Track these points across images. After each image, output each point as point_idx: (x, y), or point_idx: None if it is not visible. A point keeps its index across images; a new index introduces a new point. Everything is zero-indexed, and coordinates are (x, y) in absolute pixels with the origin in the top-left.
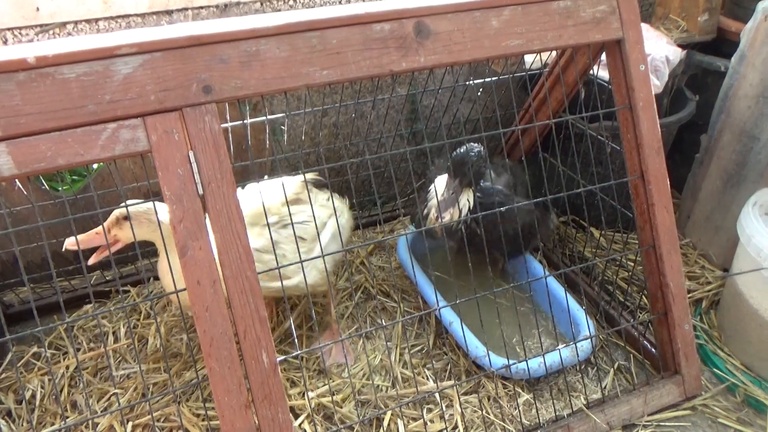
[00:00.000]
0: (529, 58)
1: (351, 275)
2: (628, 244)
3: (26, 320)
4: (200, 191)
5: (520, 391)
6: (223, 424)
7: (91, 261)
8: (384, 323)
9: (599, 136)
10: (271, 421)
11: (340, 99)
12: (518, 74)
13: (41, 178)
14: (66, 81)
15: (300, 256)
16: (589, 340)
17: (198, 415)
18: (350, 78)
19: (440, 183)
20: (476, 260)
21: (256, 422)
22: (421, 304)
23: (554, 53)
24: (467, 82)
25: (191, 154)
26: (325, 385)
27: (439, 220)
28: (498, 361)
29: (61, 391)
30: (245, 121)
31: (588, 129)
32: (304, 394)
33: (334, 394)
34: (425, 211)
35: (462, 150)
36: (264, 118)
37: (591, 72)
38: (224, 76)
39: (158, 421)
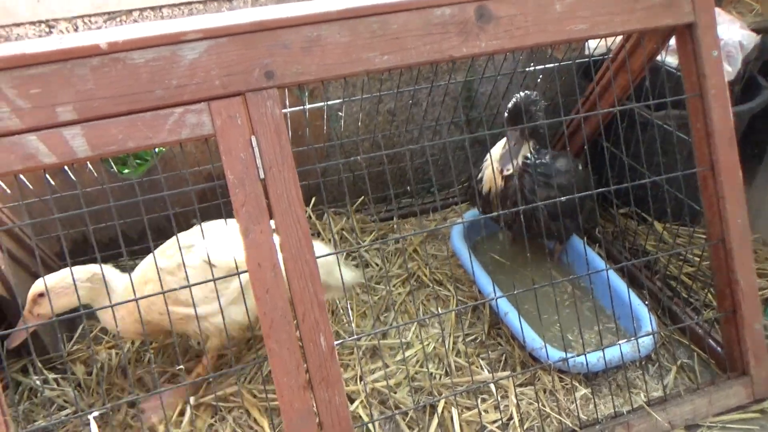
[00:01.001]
0: (591, 44)
1: (405, 262)
2: (693, 238)
3: None
4: (262, 175)
5: (577, 385)
6: (282, 403)
7: (11, 345)
8: (438, 311)
9: (665, 125)
10: (328, 404)
11: (398, 85)
12: (581, 60)
13: (110, 161)
14: (135, 66)
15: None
16: (651, 336)
17: (255, 396)
18: (410, 63)
19: (496, 149)
20: (532, 248)
21: (314, 404)
22: (477, 294)
23: (619, 38)
24: (527, 69)
25: (253, 138)
26: (379, 370)
27: (503, 172)
28: (555, 353)
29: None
30: (304, 107)
31: (654, 118)
32: (357, 378)
33: (388, 380)
34: (479, 175)
35: (518, 96)
36: (323, 103)
37: (658, 58)
38: (286, 62)
39: (220, 401)
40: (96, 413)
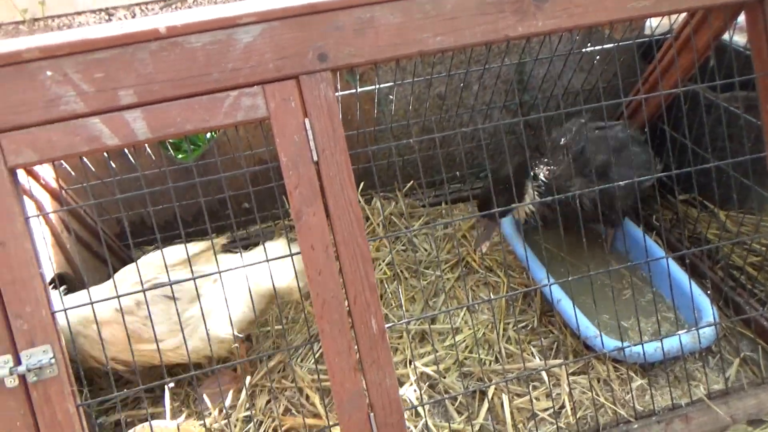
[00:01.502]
0: (651, 22)
1: (454, 247)
2: (760, 226)
3: None
4: (315, 158)
5: (633, 375)
6: (334, 384)
7: None
8: (489, 297)
9: (732, 107)
10: (379, 386)
11: (449, 68)
12: (642, 39)
13: (168, 145)
14: (193, 50)
15: (179, 318)
16: (712, 327)
17: (308, 376)
18: (464, 44)
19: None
20: (587, 237)
21: (365, 386)
22: (528, 281)
23: (683, 15)
24: (584, 49)
25: (307, 121)
26: (428, 354)
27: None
28: (611, 342)
29: None
30: (356, 90)
31: (720, 99)
32: (406, 362)
33: (438, 364)
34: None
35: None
36: (374, 87)
37: (724, 36)
38: (339, 44)
39: (272, 382)
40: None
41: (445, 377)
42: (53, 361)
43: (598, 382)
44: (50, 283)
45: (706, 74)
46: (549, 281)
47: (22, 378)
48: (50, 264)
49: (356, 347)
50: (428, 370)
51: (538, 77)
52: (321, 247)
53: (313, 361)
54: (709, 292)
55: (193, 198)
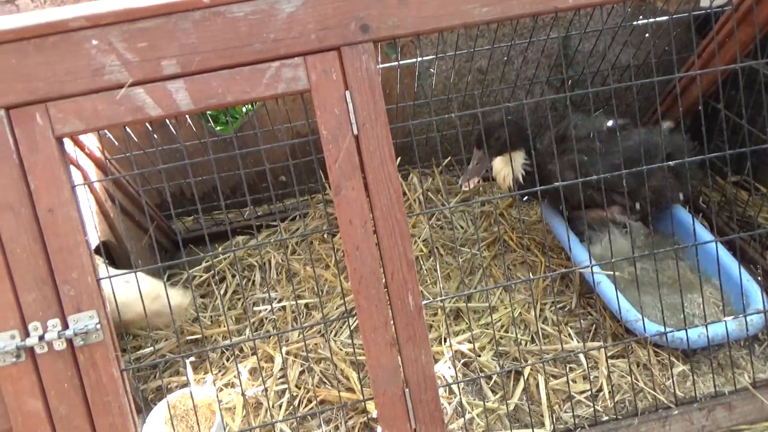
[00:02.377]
0: None
1: (491, 225)
2: None
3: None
4: (355, 131)
5: (674, 360)
6: (369, 358)
7: None
8: (529, 276)
9: None
10: (414, 362)
11: (493, 40)
12: (697, 12)
13: (209, 118)
14: (235, 20)
15: None
16: (761, 314)
17: (342, 350)
18: (511, 15)
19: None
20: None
21: (400, 362)
22: (567, 262)
23: None
24: (635, 22)
25: (347, 93)
26: (464, 332)
27: (461, 186)
28: (652, 327)
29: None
30: (398, 62)
31: None
32: (441, 340)
33: (473, 342)
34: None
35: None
36: (416, 60)
37: None
38: (382, 14)
39: (307, 351)
40: (192, 359)
41: (480, 356)
42: (99, 326)
43: (638, 366)
44: (95, 251)
45: (767, 50)
46: (591, 262)
47: (70, 342)
48: (95, 232)
49: (392, 323)
50: (464, 348)
51: (585, 52)
52: (359, 222)
53: (347, 334)
54: (759, 278)
55: (231, 170)
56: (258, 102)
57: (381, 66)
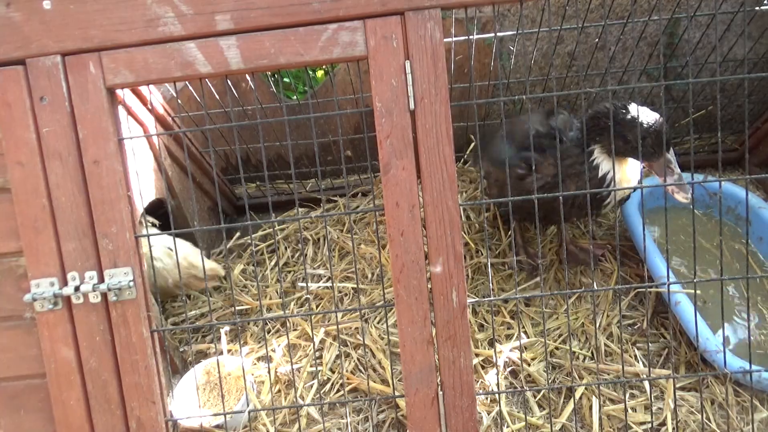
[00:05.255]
0: None
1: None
2: None
3: (242, 214)
4: (411, 106)
5: (758, 404)
6: (403, 353)
7: None
8: (594, 287)
9: None
10: (452, 363)
11: (583, 22)
12: None
13: (273, 84)
14: None
15: None
16: None
17: (383, 338)
18: None
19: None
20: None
21: (436, 361)
22: (645, 273)
23: None
24: (757, 8)
25: (407, 63)
26: (515, 338)
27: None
28: (735, 362)
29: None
30: (470, 37)
31: None
32: (489, 343)
33: (524, 350)
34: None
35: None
36: (492, 35)
37: None
38: None
39: (346, 334)
40: (227, 328)
41: (530, 365)
42: (132, 284)
43: (712, 404)
44: (147, 207)
45: None
46: (668, 280)
47: (104, 296)
48: (151, 188)
49: (432, 319)
50: (513, 356)
51: (692, 41)
52: (406, 205)
53: (392, 322)
54: None
55: (296, 140)
56: (328, 67)
57: (458, 38)
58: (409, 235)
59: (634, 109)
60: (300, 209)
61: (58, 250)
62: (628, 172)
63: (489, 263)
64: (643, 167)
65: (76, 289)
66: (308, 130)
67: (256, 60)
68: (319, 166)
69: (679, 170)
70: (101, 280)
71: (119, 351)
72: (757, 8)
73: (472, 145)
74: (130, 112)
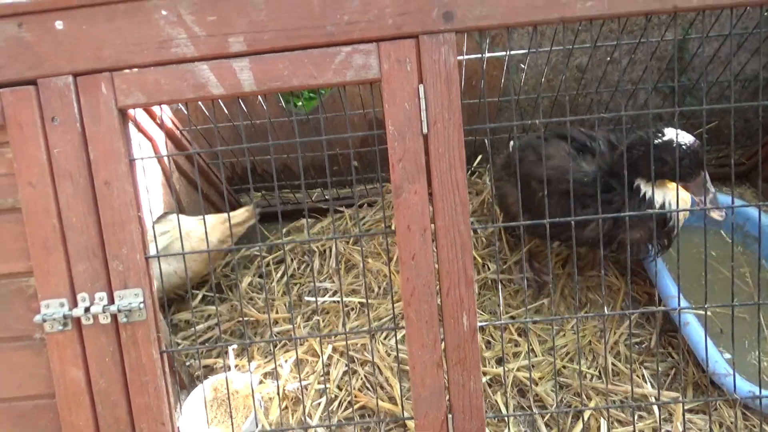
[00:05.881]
0: None
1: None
2: None
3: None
4: (424, 130)
5: (767, 428)
6: (413, 375)
7: None
8: (604, 309)
9: None
10: (462, 387)
11: (596, 37)
12: None
13: (280, 96)
14: None
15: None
16: None
17: (389, 355)
18: (620, 13)
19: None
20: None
21: (446, 384)
22: (655, 294)
23: None
24: None
25: (421, 87)
26: (523, 356)
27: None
28: (745, 386)
29: (270, 293)
30: (483, 56)
31: None
32: (495, 361)
33: (532, 368)
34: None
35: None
36: (505, 53)
37: None
38: (468, 2)
39: (353, 350)
40: (235, 346)
41: (537, 384)
42: (143, 305)
43: (720, 427)
44: (156, 220)
45: None
46: (679, 304)
47: (114, 317)
48: (159, 203)
49: (443, 342)
50: (520, 376)
51: (704, 57)
52: (418, 229)
53: (397, 337)
54: None
55: (304, 151)
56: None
57: (469, 57)
58: (420, 258)
59: (670, 132)
60: (311, 219)
61: (68, 271)
62: (681, 194)
63: (499, 282)
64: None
65: (86, 310)
66: (315, 141)
67: (269, 82)
68: (329, 177)
69: (713, 189)
70: (111, 301)
71: (129, 372)
72: None
73: (479, 157)
74: (138, 127)
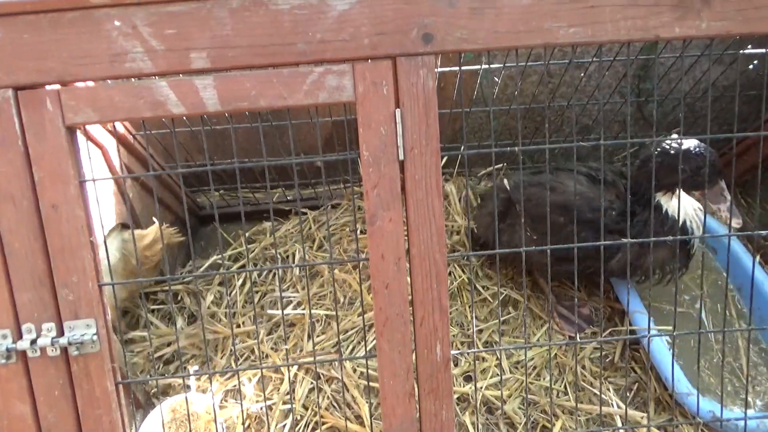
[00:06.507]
0: None
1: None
2: None
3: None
4: (401, 156)
5: None
6: (384, 406)
7: None
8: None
9: None
10: (434, 417)
11: (548, 60)
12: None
13: None
14: (279, 13)
15: None
16: None
17: (357, 369)
18: (603, 40)
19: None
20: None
21: (418, 414)
22: (618, 304)
23: None
24: (742, 51)
25: (398, 112)
26: (492, 370)
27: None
28: (707, 406)
29: (233, 305)
30: (459, 68)
31: None
32: (468, 377)
33: (502, 387)
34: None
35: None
36: (479, 66)
37: None
38: (449, 24)
39: (320, 368)
40: (196, 368)
41: (506, 402)
42: (95, 337)
43: None
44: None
45: None
46: (649, 328)
47: (64, 349)
48: (112, 214)
49: (415, 372)
50: (488, 394)
51: (665, 65)
52: (392, 258)
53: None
54: None
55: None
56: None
57: (442, 69)
58: (394, 288)
59: (684, 142)
60: (268, 223)
61: (11, 301)
62: (694, 203)
63: (473, 310)
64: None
65: (33, 342)
66: (275, 141)
67: (235, 102)
68: (290, 176)
69: (729, 196)
70: (61, 333)
71: (81, 406)
72: (741, 51)
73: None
74: (87, 135)
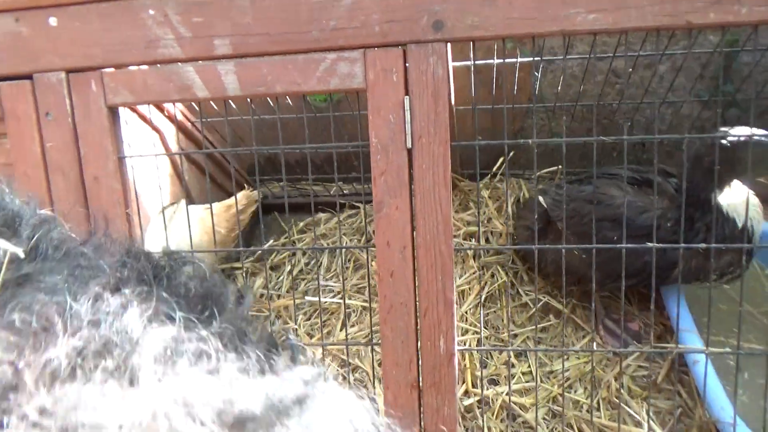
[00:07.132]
0: None
1: None
2: None
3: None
4: (409, 144)
5: None
6: (386, 394)
7: None
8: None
9: None
10: (435, 411)
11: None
12: None
13: None
14: (296, 2)
15: None
16: None
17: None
18: (626, 27)
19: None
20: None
21: (420, 407)
22: (669, 323)
23: None
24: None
25: (407, 99)
26: (521, 377)
27: None
28: None
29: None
30: (472, 62)
31: None
32: (484, 383)
33: (525, 393)
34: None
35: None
36: (515, 59)
37: None
38: (460, 11)
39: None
40: None
41: (528, 410)
42: None
43: None
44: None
45: None
46: (702, 348)
47: None
48: (167, 194)
49: (418, 363)
50: (514, 402)
51: (750, 64)
52: (398, 246)
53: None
54: None
55: (324, 142)
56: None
57: (458, 64)
58: (398, 276)
59: (736, 130)
60: (324, 214)
61: None
62: (752, 199)
63: (482, 307)
64: None
65: None
66: (338, 133)
67: (253, 87)
68: (348, 170)
69: None
70: None
71: None
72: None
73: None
74: (144, 119)
